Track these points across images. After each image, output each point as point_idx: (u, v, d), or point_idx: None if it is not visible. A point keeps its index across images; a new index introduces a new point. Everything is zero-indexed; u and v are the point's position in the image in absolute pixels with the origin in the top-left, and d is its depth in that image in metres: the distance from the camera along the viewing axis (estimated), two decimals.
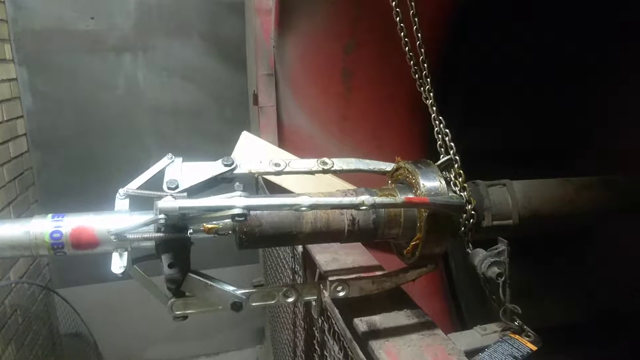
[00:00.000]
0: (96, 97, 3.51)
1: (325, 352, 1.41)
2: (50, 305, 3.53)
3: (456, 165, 1.20)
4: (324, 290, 1.30)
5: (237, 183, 1.08)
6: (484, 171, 1.37)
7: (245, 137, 2.23)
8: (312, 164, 1.23)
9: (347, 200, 1.00)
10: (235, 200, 0.95)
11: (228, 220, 1.01)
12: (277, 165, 1.20)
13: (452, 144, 1.22)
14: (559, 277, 2.52)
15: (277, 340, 2.64)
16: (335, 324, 1.25)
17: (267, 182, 2.18)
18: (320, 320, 1.40)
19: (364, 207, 0.99)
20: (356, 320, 1.16)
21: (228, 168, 1.14)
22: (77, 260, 3.61)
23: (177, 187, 1.05)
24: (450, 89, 2.29)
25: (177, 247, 1.00)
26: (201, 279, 1.03)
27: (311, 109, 2.39)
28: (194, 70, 3.67)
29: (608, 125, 2.46)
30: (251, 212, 1.04)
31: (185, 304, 1.05)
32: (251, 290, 1.08)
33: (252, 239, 1.05)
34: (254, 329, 4.15)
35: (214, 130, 3.74)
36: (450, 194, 1.15)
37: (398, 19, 1.23)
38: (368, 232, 1.13)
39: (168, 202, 0.92)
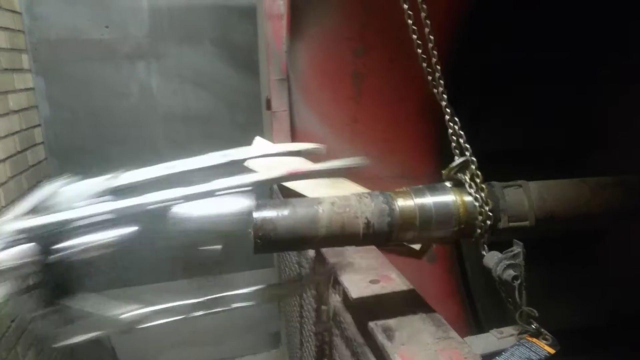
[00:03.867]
0: (110, 104, 3.56)
1: (337, 357, 1.41)
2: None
3: (472, 167, 1.20)
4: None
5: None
6: (498, 172, 1.36)
7: (258, 142, 2.25)
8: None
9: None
10: (102, 207, 0.86)
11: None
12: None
13: (467, 145, 1.22)
14: (576, 279, 2.49)
15: (292, 345, 2.64)
16: (347, 328, 1.25)
17: (281, 186, 2.19)
18: (332, 325, 1.40)
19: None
20: (371, 324, 1.15)
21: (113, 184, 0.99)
22: (94, 266, 3.65)
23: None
24: (462, 89, 2.28)
25: (50, 271, 0.88)
26: (84, 302, 0.94)
27: (322, 112, 2.40)
28: (206, 76, 3.70)
29: (622, 124, 2.43)
30: (266, 216, 1.05)
31: (68, 333, 0.97)
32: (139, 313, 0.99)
33: (268, 242, 1.06)
34: (270, 333, 4.15)
35: (227, 135, 3.77)
36: (467, 197, 1.15)
37: (410, 21, 1.23)
38: (383, 235, 1.13)
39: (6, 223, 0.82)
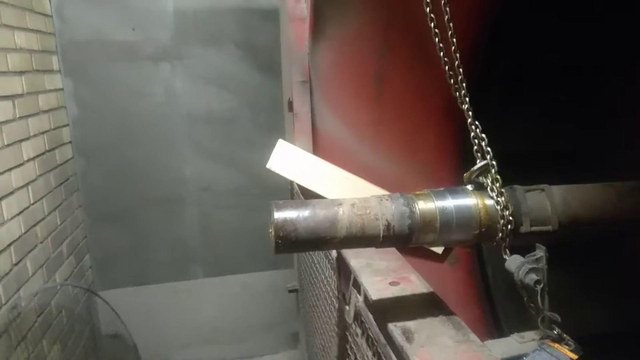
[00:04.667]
0: (135, 105, 3.64)
1: (358, 357, 1.41)
2: (93, 307, 3.66)
3: (493, 171, 1.19)
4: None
5: None
6: (522, 175, 1.35)
7: (281, 145, 2.27)
8: None
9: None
10: None
11: None
12: None
13: (489, 148, 1.21)
14: (601, 282, 2.44)
15: (311, 345, 2.65)
16: (369, 328, 1.25)
17: (302, 188, 2.20)
18: (354, 325, 1.40)
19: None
20: (390, 326, 1.15)
21: None
22: (118, 263, 3.73)
23: None
24: (486, 90, 2.26)
25: None
26: None
27: (345, 114, 2.40)
28: (229, 77, 3.75)
29: None
30: (287, 217, 1.06)
31: None
32: None
33: (288, 243, 1.07)
34: (288, 333, 4.17)
35: (249, 136, 3.81)
36: (488, 200, 1.14)
37: (432, 24, 1.23)
38: (403, 238, 1.13)
39: None
